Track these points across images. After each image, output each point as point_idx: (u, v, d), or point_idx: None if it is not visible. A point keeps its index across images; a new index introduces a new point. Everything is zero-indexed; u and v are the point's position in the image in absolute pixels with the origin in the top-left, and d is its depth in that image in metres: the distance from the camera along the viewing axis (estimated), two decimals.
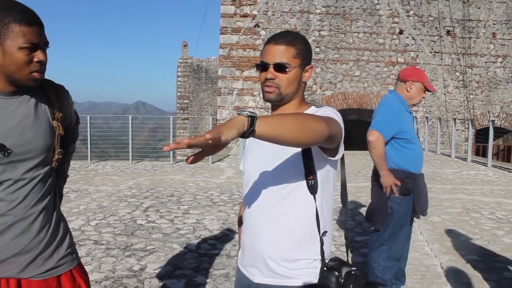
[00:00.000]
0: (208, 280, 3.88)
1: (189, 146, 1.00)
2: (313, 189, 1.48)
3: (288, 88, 1.53)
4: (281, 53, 1.51)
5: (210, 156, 12.16)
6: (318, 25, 17.15)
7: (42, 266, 1.58)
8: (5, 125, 1.49)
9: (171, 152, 12.55)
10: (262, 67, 1.53)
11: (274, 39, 1.55)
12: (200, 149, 1.09)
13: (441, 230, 5.53)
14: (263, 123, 1.14)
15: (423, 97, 3.29)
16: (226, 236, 5.18)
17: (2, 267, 1.51)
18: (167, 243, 4.88)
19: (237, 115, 1.13)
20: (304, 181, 1.48)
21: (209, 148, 1.08)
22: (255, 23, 16.97)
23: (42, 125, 1.57)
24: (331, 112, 1.47)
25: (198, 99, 32.18)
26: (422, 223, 5.73)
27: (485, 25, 17.76)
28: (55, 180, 1.67)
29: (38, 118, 1.57)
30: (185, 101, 32.23)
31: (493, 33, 17.82)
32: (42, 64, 1.49)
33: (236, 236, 5.16)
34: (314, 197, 1.49)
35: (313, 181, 1.48)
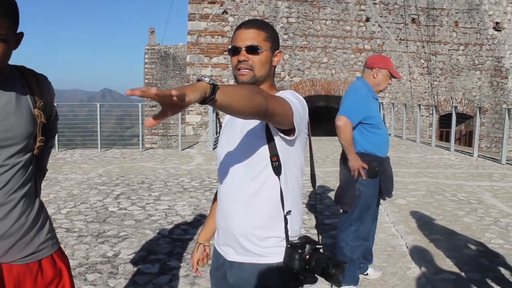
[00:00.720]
0: (182, 264, 3.96)
1: (157, 95, 0.98)
2: (277, 170, 1.55)
3: (261, 70, 1.59)
4: (252, 36, 1.58)
5: (179, 143, 12.15)
6: (286, 12, 17.21)
7: (23, 251, 1.61)
8: None
9: (140, 140, 12.37)
10: (234, 51, 1.59)
11: (245, 24, 1.62)
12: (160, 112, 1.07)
13: (406, 212, 5.74)
14: (222, 93, 1.16)
15: (389, 84, 3.42)
16: (198, 221, 5.24)
17: None
18: (140, 229, 4.91)
19: (198, 80, 1.14)
20: (270, 163, 1.55)
21: (170, 108, 1.06)
22: (223, 10, 16.89)
23: (23, 112, 1.59)
24: (289, 95, 1.53)
25: (166, 86, 31.86)
26: (389, 206, 5.94)
27: (448, 13, 18.21)
28: (35, 168, 1.70)
29: (20, 106, 1.58)
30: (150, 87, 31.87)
31: (456, 21, 18.30)
32: None
33: None
34: (279, 178, 1.56)
35: (277, 162, 1.55)
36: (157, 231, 4.84)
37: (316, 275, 1.53)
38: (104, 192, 6.67)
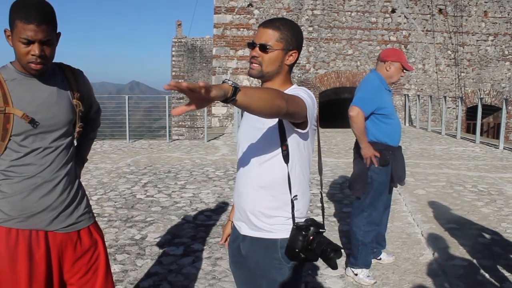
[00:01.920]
0: (204, 247, 4.19)
1: (188, 88, 1.19)
2: (286, 158, 1.74)
3: (269, 67, 1.78)
4: (266, 36, 1.77)
5: (205, 134, 12.43)
6: (311, 4, 17.25)
7: (65, 222, 1.89)
8: (34, 102, 1.79)
9: (167, 131, 12.66)
10: (251, 45, 1.80)
11: (265, 23, 1.81)
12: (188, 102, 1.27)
13: (424, 202, 5.84)
14: (243, 95, 1.35)
15: (401, 76, 3.56)
16: (221, 208, 5.48)
17: (33, 221, 1.81)
18: (166, 215, 5.18)
19: (223, 82, 1.34)
20: (280, 150, 1.74)
21: (198, 101, 1.25)
22: (248, 3, 17.06)
23: (64, 102, 1.88)
24: (302, 92, 1.72)
25: (193, 78, 32.25)
26: (407, 196, 6.04)
27: (476, 3, 17.93)
28: (75, 150, 1.97)
29: (60, 96, 1.87)
30: (180, 81, 32.25)
31: (485, 11, 18.00)
32: (39, 57, 1.72)
33: (230, 208, 5.47)
34: (287, 165, 1.75)
35: (286, 151, 1.74)
36: (182, 217, 5.10)
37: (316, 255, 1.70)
38: (132, 181, 6.98)
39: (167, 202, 5.75)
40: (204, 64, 31.97)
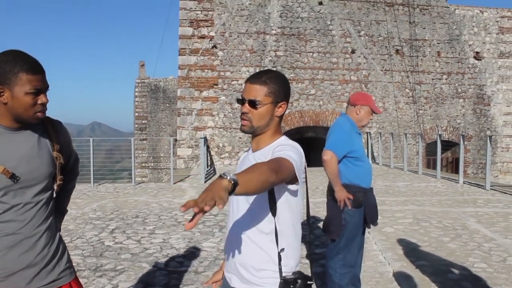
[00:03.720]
0: None
1: (209, 208, 1.26)
2: (273, 211, 1.75)
3: (259, 121, 1.80)
4: (254, 91, 1.79)
5: (171, 177, 12.31)
6: (274, 45, 17.70)
7: (46, 278, 1.83)
8: (14, 156, 1.75)
9: (133, 174, 12.41)
10: (241, 101, 1.82)
11: (251, 78, 1.84)
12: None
13: (393, 239, 5.93)
14: (241, 187, 1.37)
15: (370, 119, 3.69)
16: (192, 254, 5.39)
17: (12, 279, 1.75)
18: (136, 262, 5.05)
19: (219, 177, 1.36)
20: (268, 205, 1.75)
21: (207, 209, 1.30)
22: (212, 44, 17.34)
23: (44, 155, 1.84)
24: (290, 151, 1.71)
25: (156, 119, 32.14)
26: (377, 234, 6.13)
27: (430, 44, 18.85)
28: (55, 203, 1.93)
29: (41, 149, 1.84)
30: (143, 122, 32.12)
31: (438, 51, 18.93)
32: (45, 105, 1.77)
33: (202, 253, 5.40)
34: (274, 218, 1.75)
35: (274, 203, 1.74)
36: (153, 264, 4.98)
37: None
38: (99, 227, 6.80)
39: (136, 248, 5.62)
40: (167, 105, 31.96)
